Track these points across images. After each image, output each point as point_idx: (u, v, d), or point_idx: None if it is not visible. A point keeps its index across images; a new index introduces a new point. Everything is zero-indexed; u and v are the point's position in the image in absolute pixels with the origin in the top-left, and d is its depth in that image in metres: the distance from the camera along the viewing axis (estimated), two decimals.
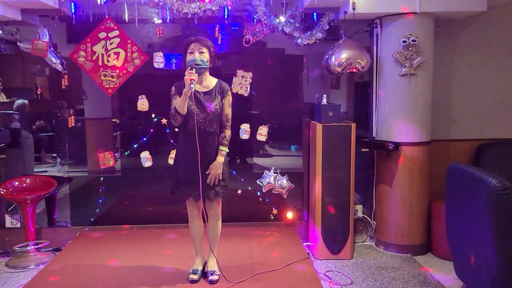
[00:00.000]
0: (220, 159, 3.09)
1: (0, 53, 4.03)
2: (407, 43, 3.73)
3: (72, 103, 6.68)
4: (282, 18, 4.01)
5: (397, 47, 3.79)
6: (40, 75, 7.33)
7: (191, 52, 3.00)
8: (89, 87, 6.21)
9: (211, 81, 3.13)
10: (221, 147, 3.10)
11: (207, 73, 3.10)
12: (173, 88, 3.11)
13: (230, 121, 3.15)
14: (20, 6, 3.74)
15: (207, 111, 3.02)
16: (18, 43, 4.01)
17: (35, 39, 3.93)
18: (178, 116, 2.97)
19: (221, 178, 3.10)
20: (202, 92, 3.05)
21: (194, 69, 2.93)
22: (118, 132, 6.92)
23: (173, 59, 4.69)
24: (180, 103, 2.94)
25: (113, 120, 6.62)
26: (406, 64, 3.77)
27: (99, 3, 3.76)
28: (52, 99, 6.88)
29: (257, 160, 6.72)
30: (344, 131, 3.73)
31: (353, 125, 3.74)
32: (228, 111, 3.13)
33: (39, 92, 4.87)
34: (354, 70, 3.79)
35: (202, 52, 3.00)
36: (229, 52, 5.09)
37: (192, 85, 2.88)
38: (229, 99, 3.14)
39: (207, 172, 3.07)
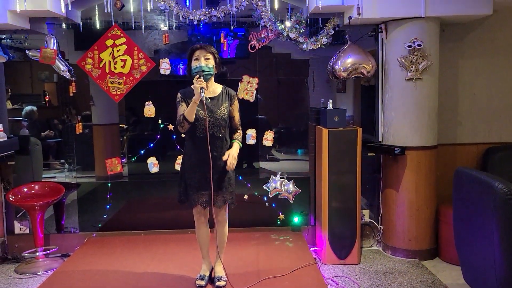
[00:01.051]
0: (236, 146, 3.11)
1: (9, 61, 4.08)
2: (412, 47, 3.73)
3: (79, 109, 6.73)
4: (288, 24, 4.03)
5: (403, 52, 3.79)
6: (48, 81, 7.41)
7: (197, 59, 3.01)
8: (96, 94, 6.28)
9: (217, 87, 3.15)
10: (235, 140, 3.14)
11: (212, 79, 3.12)
12: (179, 95, 3.12)
13: (240, 124, 3.20)
14: (29, 15, 3.79)
15: (215, 116, 3.04)
16: (27, 51, 4.06)
17: (43, 47, 3.98)
18: (186, 123, 2.98)
19: (235, 163, 3.07)
20: (209, 97, 3.07)
21: (202, 77, 2.95)
22: (125, 138, 6.98)
23: (180, 64, 4.73)
24: (189, 110, 2.96)
25: (120, 125, 6.68)
26: (411, 69, 3.76)
27: (106, 12, 3.79)
28: (60, 105, 6.95)
29: (263, 165, 6.73)
30: (350, 136, 3.73)
31: (359, 130, 3.74)
32: (237, 115, 3.18)
33: (47, 99, 4.91)
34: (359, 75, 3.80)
35: (208, 59, 3.01)
36: (235, 57, 5.12)
37: (202, 93, 2.90)
38: (236, 104, 3.18)
39: (224, 158, 3.03)
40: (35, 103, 7.03)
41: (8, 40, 4.21)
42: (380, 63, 4.04)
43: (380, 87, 4.09)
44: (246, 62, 5.08)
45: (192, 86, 2.96)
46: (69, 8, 3.74)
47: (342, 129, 3.74)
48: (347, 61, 3.78)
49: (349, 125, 3.90)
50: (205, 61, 3.01)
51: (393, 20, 3.83)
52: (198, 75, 2.95)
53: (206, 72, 2.99)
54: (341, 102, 6.10)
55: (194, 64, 3.02)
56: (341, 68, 3.79)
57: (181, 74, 4.60)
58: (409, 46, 3.73)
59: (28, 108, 6.40)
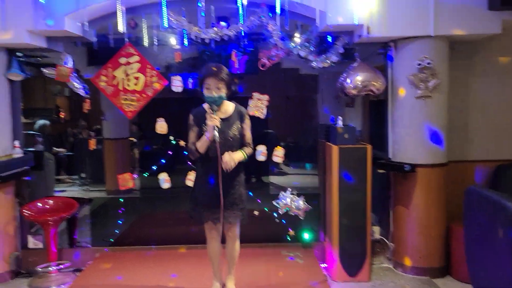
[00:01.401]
0: (237, 154, 3.06)
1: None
2: (422, 65, 3.76)
3: (91, 123, 6.82)
4: (297, 40, 4.09)
5: (412, 70, 3.81)
6: (61, 96, 7.55)
7: (208, 88, 3.00)
8: (107, 108, 6.37)
9: (229, 106, 3.17)
10: (241, 150, 3.10)
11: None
12: (190, 117, 3.16)
13: (251, 142, 3.22)
14: (46, 34, 3.88)
15: (226, 137, 3.07)
16: (42, 69, 4.14)
17: (59, 65, 4.06)
18: (198, 154, 3.04)
19: (233, 165, 3.03)
20: (221, 118, 3.09)
21: (215, 112, 2.97)
22: (135, 151, 7.07)
23: (190, 79, 4.79)
24: (202, 145, 3.01)
25: (130, 138, 6.77)
26: (421, 86, 3.79)
27: (121, 31, 3.85)
28: (72, 119, 7.05)
29: (272, 179, 6.77)
30: (360, 154, 3.75)
31: (369, 147, 3.76)
32: (248, 134, 3.20)
33: (62, 116, 4.99)
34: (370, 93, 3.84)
35: (219, 88, 3.01)
36: (244, 73, 5.19)
37: (216, 133, 2.93)
38: (247, 122, 3.20)
39: (223, 159, 2.99)
40: (48, 117, 7.16)
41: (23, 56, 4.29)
42: (390, 80, 4.07)
43: (389, 104, 4.11)
44: (255, 77, 5.15)
45: (206, 117, 3.00)
46: (86, 29, 3.82)
47: (352, 146, 3.77)
48: (357, 79, 3.83)
49: (359, 142, 3.92)
50: (217, 91, 3.00)
51: (402, 39, 3.86)
52: (211, 109, 2.98)
53: (218, 102, 3.03)
54: (350, 117, 6.14)
55: (206, 92, 3.02)
56: (351, 86, 3.83)
57: (192, 88, 4.66)
58: (419, 64, 3.76)
59: (41, 122, 6.51)
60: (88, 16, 3.76)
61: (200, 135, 3.09)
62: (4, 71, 3.94)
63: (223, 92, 3.04)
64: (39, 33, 3.76)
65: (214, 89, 2.99)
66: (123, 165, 6.08)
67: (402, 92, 3.92)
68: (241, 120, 3.16)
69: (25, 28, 3.64)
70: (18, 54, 4.09)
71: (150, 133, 6.02)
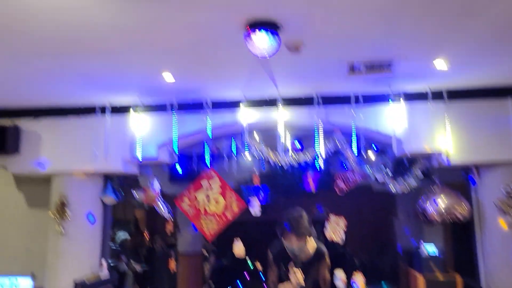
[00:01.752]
0: None
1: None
2: (509, 191, 3.60)
3: (166, 238, 6.97)
4: (374, 164, 4.10)
5: (499, 195, 3.65)
6: (140, 208, 7.93)
7: (289, 240, 3.05)
8: (183, 224, 6.56)
9: (310, 247, 3.12)
10: None
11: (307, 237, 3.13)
12: (269, 255, 3.19)
13: (328, 284, 3.13)
14: (140, 163, 4.26)
15: (306, 279, 3.04)
16: (133, 191, 4.46)
17: (147, 189, 4.37)
18: None
19: None
20: (303, 262, 3.07)
21: (300, 269, 3.01)
22: (207, 266, 7.04)
23: (261, 191, 4.89)
24: None
25: (202, 250, 6.78)
26: (511, 213, 3.58)
27: (207, 161, 4.15)
28: (150, 234, 7.28)
29: None
30: (449, 286, 3.49)
31: (459, 279, 3.51)
32: (326, 275, 3.13)
33: (146, 236, 5.22)
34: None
35: (299, 241, 3.04)
36: (319, 192, 5.21)
37: None
38: (326, 262, 3.15)
39: None
40: (126, 229, 7.46)
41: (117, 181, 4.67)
42: (475, 204, 3.89)
43: (477, 229, 3.88)
44: (330, 195, 5.15)
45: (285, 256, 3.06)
46: (174, 156, 4.18)
47: (440, 279, 3.53)
48: (440, 206, 3.72)
49: (446, 270, 3.66)
50: (297, 244, 3.04)
51: (485, 164, 3.77)
52: (294, 265, 3.02)
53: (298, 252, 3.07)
54: (430, 236, 5.81)
55: (287, 244, 3.07)
56: (434, 212, 3.72)
57: (263, 202, 4.72)
58: (506, 191, 3.61)
59: (122, 236, 6.78)
60: (178, 146, 4.12)
61: (279, 274, 3.11)
62: (100, 194, 4.31)
63: (304, 243, 3.06)
64: (134, 163, 4.14)
65: (295, 242, 3.04)
66: (196, 281, 6.07)
67: (490, 219, 3.71)
68: (320, 261, 3.13)
69: (122, 158, 4.04)
70: (113, 179, 4.49)
71: (222, 248, 6.03)
